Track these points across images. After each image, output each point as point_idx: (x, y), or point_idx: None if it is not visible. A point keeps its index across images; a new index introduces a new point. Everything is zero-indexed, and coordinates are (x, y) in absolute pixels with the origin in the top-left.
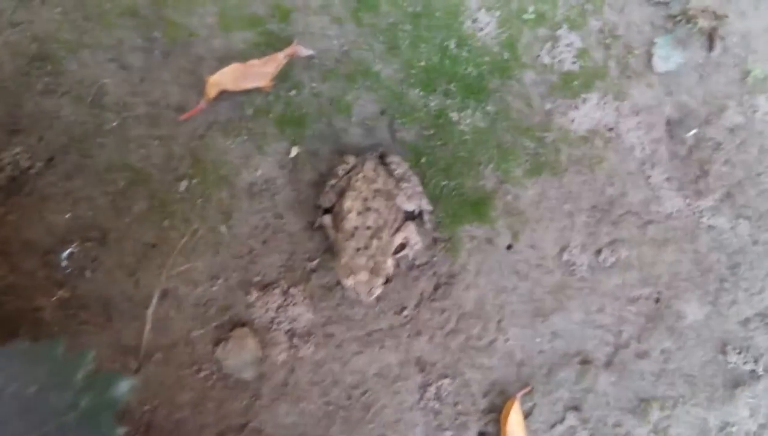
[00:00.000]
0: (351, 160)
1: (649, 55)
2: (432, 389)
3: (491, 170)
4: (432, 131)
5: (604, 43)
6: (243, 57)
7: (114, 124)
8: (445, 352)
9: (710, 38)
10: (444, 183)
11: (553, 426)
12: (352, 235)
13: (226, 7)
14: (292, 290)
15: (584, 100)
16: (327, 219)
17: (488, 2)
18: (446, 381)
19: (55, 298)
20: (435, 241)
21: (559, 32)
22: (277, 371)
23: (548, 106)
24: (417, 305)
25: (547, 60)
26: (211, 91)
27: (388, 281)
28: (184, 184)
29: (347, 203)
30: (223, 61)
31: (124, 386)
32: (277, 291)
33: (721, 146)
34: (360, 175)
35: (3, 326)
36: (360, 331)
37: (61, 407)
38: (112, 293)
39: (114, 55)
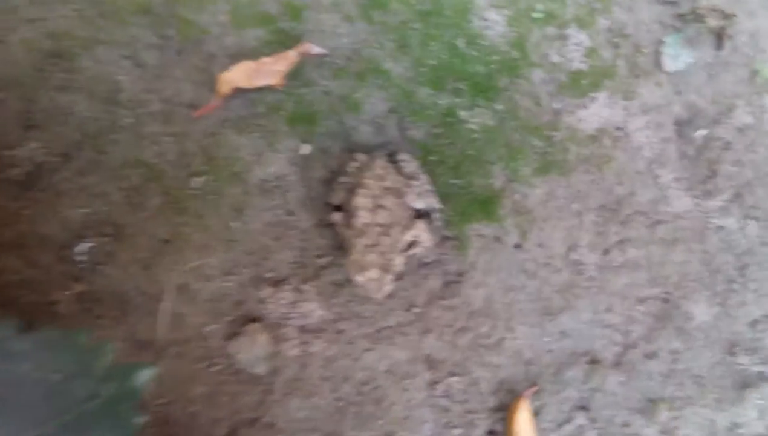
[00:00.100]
0: (361, 157)
1: (658, 54)
2: (441, 387)
3: (500, 169)
4: (441, 130)
5: (612, 42)
6: (255, 55)
7: (128, 120)
8: (454, 350)
9: (719, 37)
10: (453, 181)
11: (561, 425)
12: (363, 232)
13: (239, 5)
14: (304, 287)
15: (593, 99)
16: (337, 216)
17: (497, 1)
18: (455, 379)
19: (70, 292)
20: (444, 239)
21: (568, 31)
22: (289, 366)
23: (557, 105)
24: (426, 303)
25: (555, 59)
26: (224, 89)
27: (397, 278)
28: (197, 181)
29: (358, 201)
30: (235, 58)
31: (144, 376)
32: (288, 287)
33: (730, 146)
34: (370, 173)
35: (19, 319)
36: (370, 328)
37: (84, 396)
38: (127, 288)
39: (128, 52)
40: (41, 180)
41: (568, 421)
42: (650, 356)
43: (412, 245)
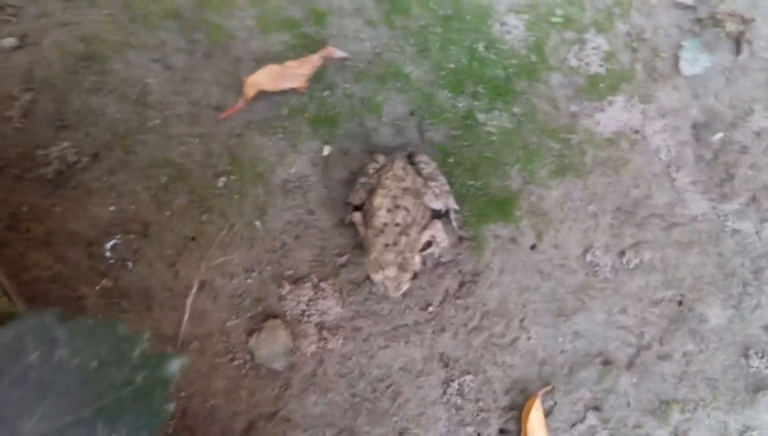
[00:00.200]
0: (381, 159)
1: (676, 59)
2: (455, 385)
3: (517, 171)
4: (460, 132)
5: (631, 47)
6: (280, 58)
7: (157, 121)
8: (468, 349)
9: (737, 42)
10: (470, 183)
11: (573, 425)
12: (382, 231)
13: (265, 11)
14: (323, 284)
15: (610, 103)
16: (357, 216)
17: (517, 6)
18: (469, 377)
19: (98, 287)
20: (460, 239)
21: (587, 35)
22: (307, 362)
23: (574, 108)
24: (442, 302)
25: (574, 63)
26: (249, 92)
27: (415, 276)
28: (222, 181)
29: (377, 201)
30: (261, 62)
31: (175, 365)
32: (308, 285)
33: (747, 150)
34: (390, 174)
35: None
36: (386, 326)
37: (118, 382)
38: (153, 284)
39: (158, 55)
40: (72, 178)
41: (580, 421)
42: (663, 357)
43: (429, 244)
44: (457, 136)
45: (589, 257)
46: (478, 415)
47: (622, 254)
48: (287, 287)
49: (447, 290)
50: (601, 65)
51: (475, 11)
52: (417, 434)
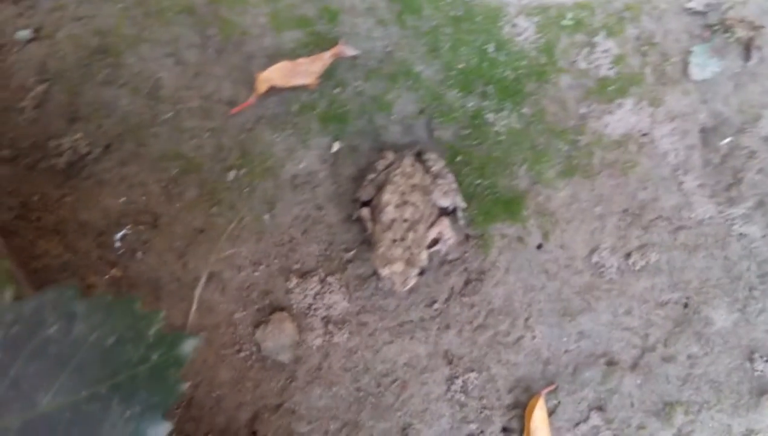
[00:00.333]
0: (390, 156)
1: (686, 64)
2: (459, 382)
3: (524, 171)
4: (468, 131)
5: (640, 51)
6: (292, 55)
7: (168, 115)
8: (473, 346)
9: (747, 48)
10: (478, 181)
11: (576, 425)
12: (390, 226)
13: (278, 8)
14: (329, 279)
15: (619, 105)
16: (365, 211)
17: (528, 8)
18: (473, 375)
19: (107, 277)
20: (467, 237)
21: (597, 39)
22: (312, 355)
23: (583, 110)
24: (447, 299)
25: (583, 65)
26: (261, 87)
27: (421, 272)
28: (232, 174)
29: (386, 196)
30: (273, 58)
31: (190, 345)
32: (315, 279)
33: (755, 155)
34: (398, 171)
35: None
36: (392, 321)
37: (134, 359)
38: (162, 274)
39: (171, 50)
40: (83, 169)
41: (583, 421)
42: (668, 359)
43: (436, 241)
44: (466, 136)
45: (595, 258)
46: (481, 412)
47: (628, 255)
48: (294, 281)
49: (453, 288)
50: (611, 68)
51: (486, 12)
52: (420, 429)
